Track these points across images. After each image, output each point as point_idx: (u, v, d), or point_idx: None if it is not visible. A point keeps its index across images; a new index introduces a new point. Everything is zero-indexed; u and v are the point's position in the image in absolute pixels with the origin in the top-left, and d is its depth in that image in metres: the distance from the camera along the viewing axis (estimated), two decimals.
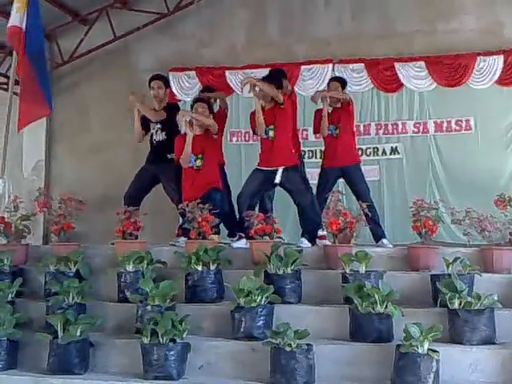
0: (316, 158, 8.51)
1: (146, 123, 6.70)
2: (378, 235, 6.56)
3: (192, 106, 6.48)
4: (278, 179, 6.16)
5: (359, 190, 6.66)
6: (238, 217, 6.19)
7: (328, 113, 6.76)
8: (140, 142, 6.82)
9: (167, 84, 6.89)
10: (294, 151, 6.36)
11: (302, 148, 7.43)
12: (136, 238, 5.58)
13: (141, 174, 6.69)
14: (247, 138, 8.96)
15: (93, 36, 9.49)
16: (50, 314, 4.60)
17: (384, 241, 6.50)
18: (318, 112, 6.85)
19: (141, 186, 6.65)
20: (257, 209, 6.32)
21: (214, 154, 6.41)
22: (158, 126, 6.65)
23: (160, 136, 6.62)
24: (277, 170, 6.15)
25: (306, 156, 8.47)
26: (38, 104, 6.31)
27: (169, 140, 6.59)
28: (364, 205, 5.83)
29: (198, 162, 6.22)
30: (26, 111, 6.26)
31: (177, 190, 6.38)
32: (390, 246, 6.30)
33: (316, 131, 6.98)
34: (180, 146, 6.26)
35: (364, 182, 6.74)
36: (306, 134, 8.59)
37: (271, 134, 6.20)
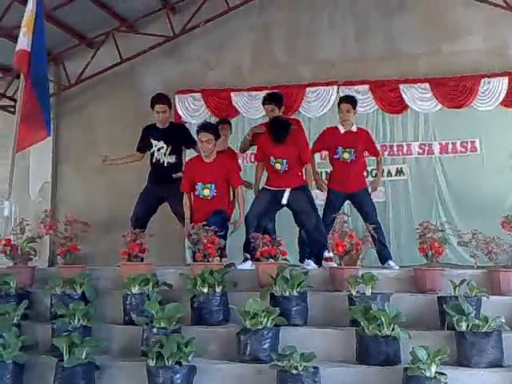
0: None
1: (146, 142, 6.73)
2: (384, 257, 6.54)
3: (198, 132, 6.21)
4: (285, 200, 6.17)
5: (367, 212, 6.60)
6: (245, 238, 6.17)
7: (341, 134, 6.67)
8: (139, 160, 6.90)
9: (170, 105, 6.87)
10: (300, 174, 6.38)
11: None
12: (142, 260, 5.58)
13: (146, 196, 6.68)
14: (253, 160, 8.97)
15: (99, 59, 9.57)
16: (55, 337, 4.58)
17: (390, 262, 6.47)
18: (329, 129, 6.88)
19: (147, 207, 6.65)
20: None
21: (225, 183, 6.22)
22: (162, 145, 6.64)
23: (165, 158, 6.62)
24: (284, 191, 6.17)
25: None
26: (37, 127, 6.35)
27: (177, 162, 6.62)
28: (371, 226, 5.82)
29: (206, 192, 6.11)
30: (25, 134, 6.30)
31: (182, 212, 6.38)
32: (397, 267, 6.28)
33: (316, 150, 6.99)
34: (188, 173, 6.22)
35: (372, 204, 6.68)
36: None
37: (278, 166, 6.22)
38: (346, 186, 6.56)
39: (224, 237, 5.70)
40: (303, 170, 6.45)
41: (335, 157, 6.63)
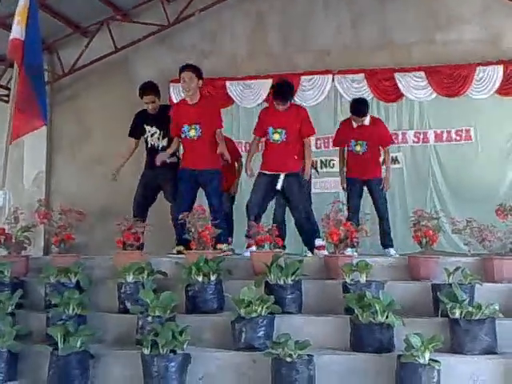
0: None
1: (139, 128, 6.76)
2: (385, 244, 6.75)
3: (179, 73, 6.35)
4: (279, 185, 6.19)
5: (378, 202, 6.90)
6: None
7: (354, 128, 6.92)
8: (136, 148, 6.93)
9: (158, 93, 6.86)
10: (297, 158, 6.33)
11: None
12: (139, 248, 5.58)
13: (144, 181, 6.78)
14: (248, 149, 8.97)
15: (93, 48, 9.54)
16: (50, 326, 4.58)
17: (391, 250, 6.52)
18: (343, 124, 7.02)
19: (147, 192, 6.75)
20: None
21: (210, 125, 6.31)
22: (155, 130, 6.72)
23: (159, 142, 6.67)
24: (279, 175, 6.18)
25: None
26: (33, 116, 6.33)
27: (169, 145, 6.65)
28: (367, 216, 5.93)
29: (192, 132, 6.23)
30: (20, 123, 6.28)
31: (174, 196, 6.46)
32: (397, 255, 6.32)
33: (336, 144, 7.08)
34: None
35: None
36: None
37: (277, 137, 6.22)
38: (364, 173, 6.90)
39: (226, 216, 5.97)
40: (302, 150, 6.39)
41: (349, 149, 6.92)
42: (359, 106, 6.96)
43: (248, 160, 6.49)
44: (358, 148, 6.86)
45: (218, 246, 5.99)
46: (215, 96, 6.37)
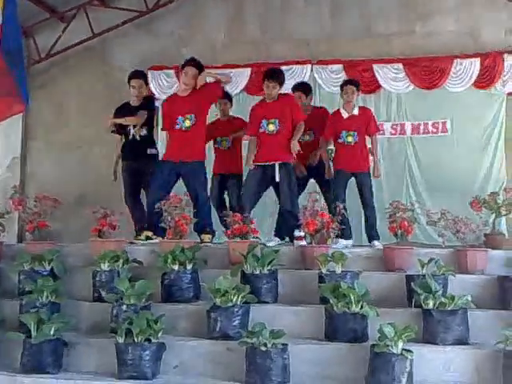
0: None
1: (119, 123, 6.75)
2: (371, 236, 6.65)
3: (183, 67, 6.47)
4: (278, 177, 6.21)
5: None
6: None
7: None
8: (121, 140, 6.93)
9: (146, 81, 6.87)
10: (289, 149, 6.30)
11: None
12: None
13: (128, 174, 6.79)
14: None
15: (70, 33, 9.39)
16: (23, 313, 4.56)
17: (375, 242, 6.54)
18: (333, 116, 6.95)
19: (134, 184, 6.78)
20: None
21: (202, 114, 6.39)
22: None
23: (140, 131, 6.63)
24: (274, 166, 6.21)
25: None
26: (12, 100, 6.25)
27: (149, 135, 6.64)
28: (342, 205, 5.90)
29: (187, 123, 6.24)
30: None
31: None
32: (381, 247, 6.33)
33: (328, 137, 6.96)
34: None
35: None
36: None
37: (271, 127, 6.27)
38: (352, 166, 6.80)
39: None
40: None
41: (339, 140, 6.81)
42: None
43: (249, 157, 6.48)
44: (350, 139, 6.77)
45: (202, 236, 6.00)
46: (206, 85, 6.32)
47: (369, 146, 7.00)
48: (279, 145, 6.26)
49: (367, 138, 6.94)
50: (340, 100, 8.07)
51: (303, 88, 7.17)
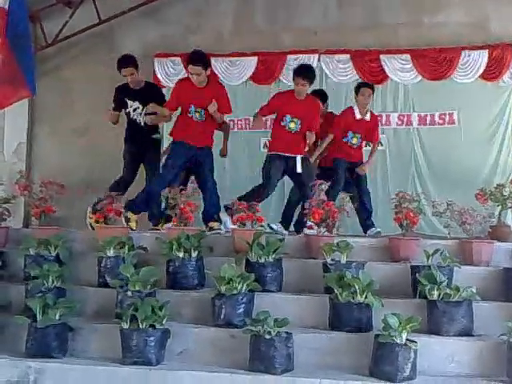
0: None
1: (121, 101, 6.72)
2: (367, 225, 6.79)
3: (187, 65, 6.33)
4: (299, 168, 6.31)
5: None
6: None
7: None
8: (116, 123, 6.86)
9: (137, 66, 6.78)
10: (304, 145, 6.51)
11: None
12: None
13: (130, 158, 6.76)
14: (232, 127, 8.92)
15: (77, 19, 9.35)
16: (29, 298, 4.57)
17: (373, 229, 6.58)
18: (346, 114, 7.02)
19: (134, 168, 6.78)
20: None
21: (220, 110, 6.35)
22: (137, 105, 6.69)
23: (142, 118, 6.67)
24: (295, 158, 6.32)
25: None
26: (17, 86, 6.22)
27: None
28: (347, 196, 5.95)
29: (198, 116, 6.23)
30: (3, 93, 6.18)
31: (153, 173, 6.48)
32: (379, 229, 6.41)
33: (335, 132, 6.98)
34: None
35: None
36: None
37: (292, 125, 6.36)
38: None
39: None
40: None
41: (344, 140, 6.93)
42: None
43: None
44: (355, 141, 6.94)
45: (210, 224, 6.00)
46: (222, 94, 6.34)
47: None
48: (296, 142, 6.38)
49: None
50: (348, 92, 8.10)
51: (322, 96, 7.19)
